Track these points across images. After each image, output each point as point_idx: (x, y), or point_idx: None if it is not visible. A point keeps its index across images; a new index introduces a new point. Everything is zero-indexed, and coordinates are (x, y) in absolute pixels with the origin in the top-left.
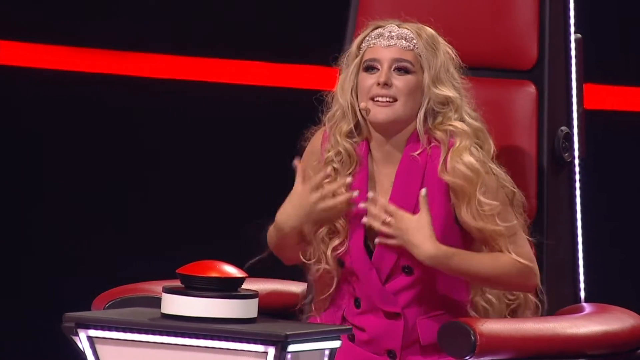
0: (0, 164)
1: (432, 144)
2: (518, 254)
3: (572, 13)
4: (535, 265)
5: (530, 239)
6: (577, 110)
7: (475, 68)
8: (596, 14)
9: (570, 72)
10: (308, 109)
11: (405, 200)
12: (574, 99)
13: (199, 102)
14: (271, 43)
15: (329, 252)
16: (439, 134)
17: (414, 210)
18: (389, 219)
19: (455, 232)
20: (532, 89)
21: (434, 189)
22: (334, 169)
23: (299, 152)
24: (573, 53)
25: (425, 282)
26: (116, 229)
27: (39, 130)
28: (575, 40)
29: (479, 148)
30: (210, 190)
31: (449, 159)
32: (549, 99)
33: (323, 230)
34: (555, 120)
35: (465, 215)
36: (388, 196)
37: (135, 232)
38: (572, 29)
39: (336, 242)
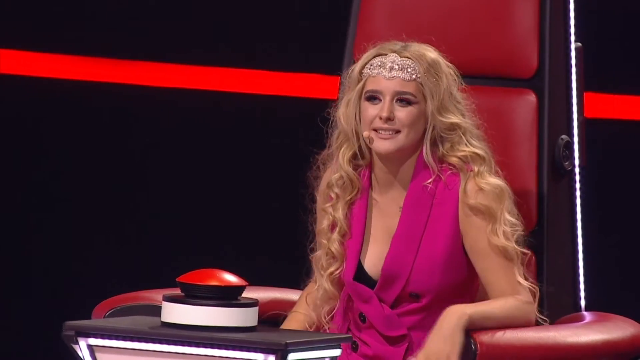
0: (4, 172)
1: (450, 172)
2: (520, 291)
3: (572, 22)
4: (534, 303)
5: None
6: (578, 119)
7: (476, 76)
8: (597, 23)
9: (570, 81)
10: (307, 117)
11: (412, 228)
12: (574, 108)
13: (197, 111)
14: (269, 52)
15: (325, 277)
16: (454, 160)
17: (420, 240)
18: None
19: (461, 261)
20: (532, 97)
21: (446, 217)
22: (336, 193)
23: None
24: (573, 62)
25: (433, 307)
26: (116, 237)
27: (40, 139)
28: (576, 49)
29: None
30: (210, 199)
31: (471, 183)
32: (549, 107)
33: (322, 258)
34: (555, 129)
35: (490, 235)
36: (394, 220)
37: (136, 240)
38: (573, 38)
39: (332, 268)
